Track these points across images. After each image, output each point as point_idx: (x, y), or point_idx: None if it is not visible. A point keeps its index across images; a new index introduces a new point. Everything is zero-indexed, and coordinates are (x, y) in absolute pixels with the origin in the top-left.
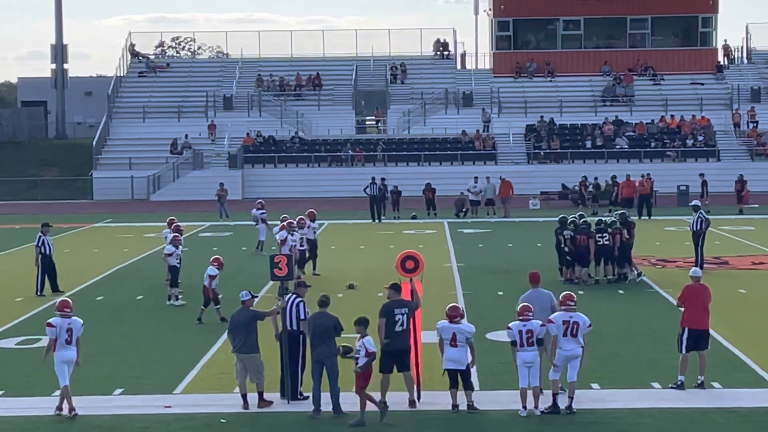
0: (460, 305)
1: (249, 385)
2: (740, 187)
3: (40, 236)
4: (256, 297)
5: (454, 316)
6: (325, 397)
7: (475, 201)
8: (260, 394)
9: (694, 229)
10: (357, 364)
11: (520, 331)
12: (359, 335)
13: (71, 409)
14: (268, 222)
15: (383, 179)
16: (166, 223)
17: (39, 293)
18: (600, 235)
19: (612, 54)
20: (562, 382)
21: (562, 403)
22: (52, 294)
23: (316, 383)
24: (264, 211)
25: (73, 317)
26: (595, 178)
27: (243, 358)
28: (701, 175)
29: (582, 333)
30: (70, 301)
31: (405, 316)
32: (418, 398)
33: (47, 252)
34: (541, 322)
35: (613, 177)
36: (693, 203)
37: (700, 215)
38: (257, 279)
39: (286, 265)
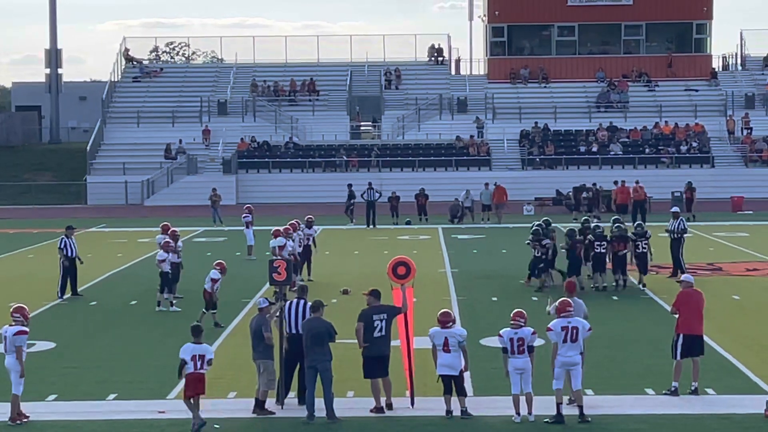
0: (451, 311)
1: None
2: (689, 194)
3: (62, 239)
4: (274, 304)
5: (446, 321)
6: (319, 403)
7: (469, 207)
8: (261, 402)
9: (674, 236)
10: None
11: (511, 339)
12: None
13: (12, 418)
14: (252, 226)
15: (350, 185)
16: (160, 229)
17: (60, 296)
18: (599, 243)
19: (606, 60)
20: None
21: (566, 412)
22: (71, 296)
23: (310, 388)
24: (248, 215)
25: (15, 325)
26: (594, 184)
27: (257, 364)
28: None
29: (582, 337)
30: (25, 308)
31: (384, 321)
32: (412, 404)
33: (70, 254)
34: (532, 330)
35: (594, 184)
36: (673, 209)
37: (681, 222)
38: (252, 284)
39: (285, 270)
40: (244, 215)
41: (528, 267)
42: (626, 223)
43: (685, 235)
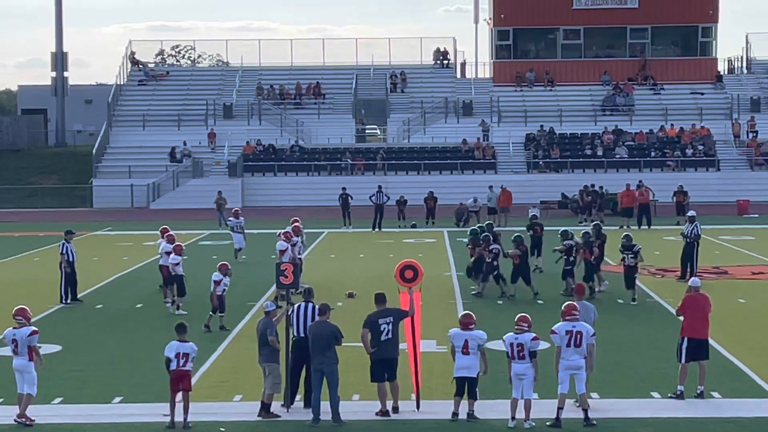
0: (473, 313)
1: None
2: (681, 198)
3: (63, 243)
4: (281, 308)
5: (468, 323)
6: (324, 406)
7: (476, 210)
8: (267, 405)
9: (688, 240)
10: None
11: (511, 344)
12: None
13: (20, 414)
14: (238, 230)
15: (344, 188)
16: (159, 233)
17: (64, 301)
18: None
19: (612, 63)
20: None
21: (572, 415)
22: (70, 302)
23: (315, 392)
24: (232, 219)
25: (24, 327)
26: (600, 186)
27: (263, 367)
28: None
29: (586, 342)
30: (26, 309)
31: (390, 324)
32: (418, 407)
33: (70, 260)
34: (533, 335)
35: (593, 186)
36: (690, 214)
37: (695, 227)
38: (257, 287)
39: (292, 273)
40: (230, 219)
41: (468, 271)
42: (632, 227)
43: (698, 240)
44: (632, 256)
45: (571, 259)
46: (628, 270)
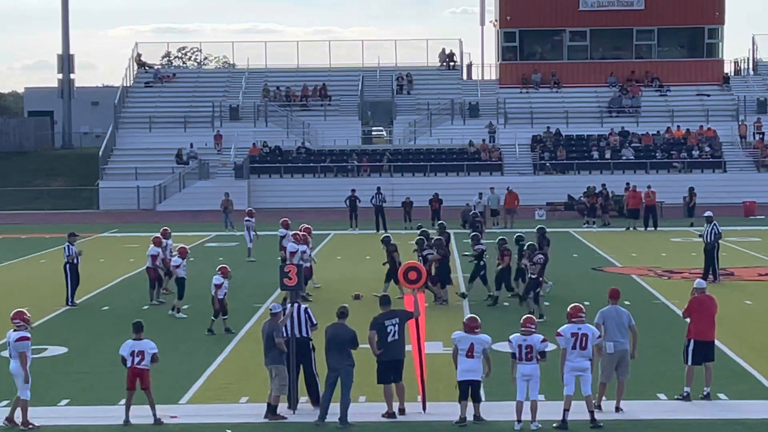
0: (478, 317)
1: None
2: (690, 199)
3: (68, 245)
4: (286, 308)
5: (474, 327)
6: (333, 408)
7: (481, 212)
8: (273, 407)
9: (707, 240)
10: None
11: (520, 345)
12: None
13: (24, 422)
14: (256, 230)
15: (353, 190)
16: (161, 234)
17: (69, 303)
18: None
19: (618, 65)
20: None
21: (579, 417)
22: (71, 306)
23: (328, 391)
24: (250, 219)
25: (19, 330)
26: (604, 186)
27: (269, 369)
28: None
29: (591, 344)
30: (24, 312)
31: (396, 326)
32: (424, 409)
33: (74, 261)
34: (542, 337)
35: (603, 186)
36: (706, 214)
37: (714, 227)
38: (263, 289)
39: (296, 275)
40: (247, 219)
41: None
42: (638, 228)
43: (719, 240)
44: (527, 262)
45: (482, 263)
46: (528, 279)
